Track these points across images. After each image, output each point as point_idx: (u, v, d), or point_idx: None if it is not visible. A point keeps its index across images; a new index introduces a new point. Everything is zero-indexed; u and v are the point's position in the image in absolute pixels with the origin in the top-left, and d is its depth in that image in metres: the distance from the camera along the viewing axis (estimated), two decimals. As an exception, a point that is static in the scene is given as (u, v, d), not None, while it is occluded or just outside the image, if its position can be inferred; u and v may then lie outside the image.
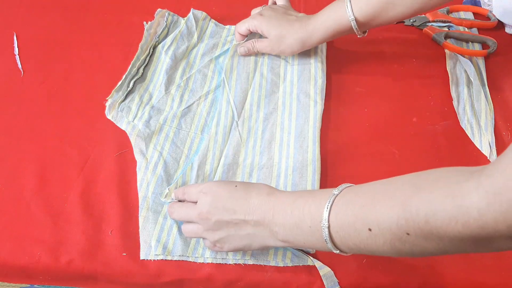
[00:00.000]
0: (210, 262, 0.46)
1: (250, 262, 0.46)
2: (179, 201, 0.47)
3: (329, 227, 0.36)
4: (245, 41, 0.61)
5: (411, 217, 0.31)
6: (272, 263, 0.46)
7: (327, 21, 0.55)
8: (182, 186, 0.50)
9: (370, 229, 0.34)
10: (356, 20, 0.53)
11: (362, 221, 0.34)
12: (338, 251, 0.37)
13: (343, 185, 0.39)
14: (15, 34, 0.65)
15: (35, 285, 0.51)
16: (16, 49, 0.63)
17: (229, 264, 0.46)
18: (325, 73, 0.60)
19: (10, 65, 0.62)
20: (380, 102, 0.58)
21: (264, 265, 0.46)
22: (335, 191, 0.38)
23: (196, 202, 0.43)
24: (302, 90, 0.58)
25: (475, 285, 0.46)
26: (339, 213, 0.36)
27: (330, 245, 0.37)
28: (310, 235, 0.38)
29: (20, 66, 0.62)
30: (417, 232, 0.31)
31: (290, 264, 0.46)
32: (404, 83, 0.60)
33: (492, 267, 0.46)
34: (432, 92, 0.59)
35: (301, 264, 0.46)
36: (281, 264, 0.46)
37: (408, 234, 0.31)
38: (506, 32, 0.65)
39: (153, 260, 0.46)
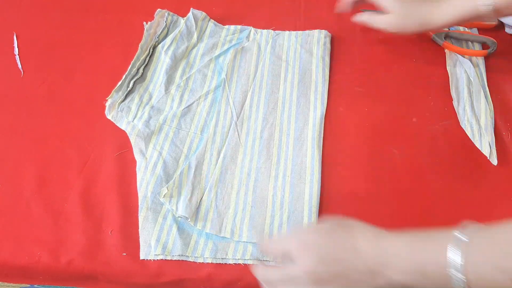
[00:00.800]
0: (210, 262, 0.46)
1: (250, 262, 0.46)
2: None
3: (464, 272, 0.33)
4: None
5: None
6: (273, 263, 0.46)
7: (458, 5, 0.53)
8: (179, 186, 0.50)
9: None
10: (494, 6, 0.51)
11: (499, 273, 0.32)
12: None
13: (468, 227, 0.35)
14: (15, 34, 0.65)
15: (35, 285, 0.51)
16: (16, 49, 0.63)
17: (229, 264, 0.46)
18: (326, 80, 0.59)
19: (10, 65, 0.62)
20: (380, 102, 0.58)
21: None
22: (461, 235, 0.34)
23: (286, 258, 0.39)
24: (302, 93, 0.58)
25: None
26: (473, 258, 0.33)
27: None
28: (437, 276, 0.34)
29: (20, 66, 0.62)
30: None
31: None
32: (404, 83, 0.60)
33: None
34: (432, 92, 0.59)
35: None
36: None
37: None
38: (506, 32, 0.65)
39: (153, 260, 0.46)
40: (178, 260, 0.46)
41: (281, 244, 0.41)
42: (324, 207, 0.49)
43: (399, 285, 0.36)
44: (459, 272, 0.33)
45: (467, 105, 0.56)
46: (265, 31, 0.65)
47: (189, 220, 0.48)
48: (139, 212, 0.48)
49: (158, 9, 0.65)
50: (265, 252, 0.44)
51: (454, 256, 0.33)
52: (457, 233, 0.34)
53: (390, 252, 0.36)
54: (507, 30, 0.65)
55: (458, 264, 0.33)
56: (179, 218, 0.48)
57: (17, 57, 0.63)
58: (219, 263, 0.46)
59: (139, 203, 0.49)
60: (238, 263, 0.46)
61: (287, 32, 0.65)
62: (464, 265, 0.33)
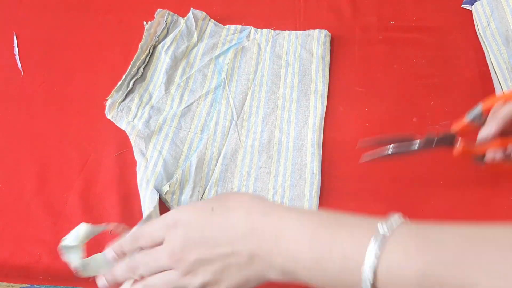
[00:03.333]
0: None
1: None
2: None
3: (375, 272, 0.26)
4: None
5: None
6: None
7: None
8: (181, 184, 0.50)
9: None
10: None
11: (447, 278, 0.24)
12: None
13: (394, 220, 0.28)
14: (15, 34, 0.65)
15: (35, 285, 0.51)
16: (16, 49, 0.63)
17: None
18: (326, 80, 0.59)
19: (10, 65, 0.62)
20: (380, 102, 0.58)
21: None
22: (383, 230, 0.27)
23: (160, 244, 0.33)
24: (302, 93, 0.58)
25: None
26: (392, 256, 0.25)
27: None
28: (339, 271, 0.27)
29: (20, 66, 0.62)
30: None
31: None
32: (404, 83, 0.60)
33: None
34: (432, 92, 0.59)
35: None
36: None
37: None
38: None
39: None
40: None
41: (146, 229, 0.35)
42: (324, 207, 0.49)
43: (290, 279, 0.30)
44: (369, 272, 0.26)
45: None
46: (265, 30, 0.65)
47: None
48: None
49: (159, 9, 0.65)
50: (137, 238, 0.36)
51: (372, 256, 0.26)
52: (382, 229, 0.27)
53: (283, 234, 0.30)
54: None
55: (371, 263, 0.26)
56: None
57: (17, 57, 0.63)
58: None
59: (142, 202, 0.49)
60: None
61: (287, 32, 0.65)
62: (376, 264, 0.26)
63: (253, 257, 0.31)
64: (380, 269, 0.26)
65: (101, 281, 0.37)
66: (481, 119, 0.45)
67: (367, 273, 0.26)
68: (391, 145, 0.45)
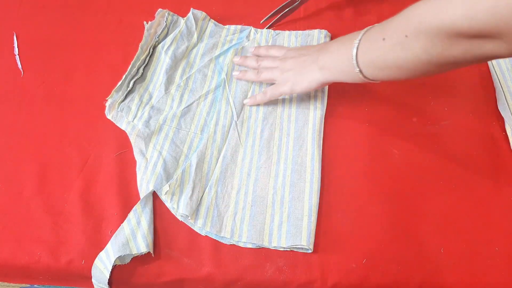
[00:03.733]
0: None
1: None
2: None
3: (357, 48, 0.45)
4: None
5: (409, 21, 0.39)
6: (266, 244, 0.47)
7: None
8: (181, 184, 0.50)
9: (383, 39, 0.42)
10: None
11: (379, 34, 0.43)
12: (358, 70, 0.46)
13: (364, 30, 0.47)
14: (15, 34, 0.65)
15: (35, 285, 0.51)
16: (16, 49, 0.63)
17: (229, 263, 0.46)
18: None
19: (10, 65, 0.62)
20: (380, 102, 0.58)
21: (264, 265, 0.46)
22: (370, 27, 0.46)
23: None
24: (302, 92, 0.58)
25: (475, 284, 0.46)
26: (366, 35, 0.45)
27: (354, 62, 0.46)
28: (343, 57, 0.47)
29: (20, 66, 0.62)
30: (412, 33, 0.39)
31: (285, 245, 0.46)
32: (404, 83, 0.60)
33: (492, 267, 0.46)
34: (432, 92, 0.59)
35: (296, 245, 0.46)
36: (274, 244, 0.47)
37: (406, 36, 0.39)
38: None
39: (153, 259, 0.46)
40: (178, 260, 0.46)
41: (281, 49, 0.59)
42: (324, 206, 0.49)
43: (322, 75, 0.51)
44: (355, 61, 0.46)
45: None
46: (265, 30, 0.65)
47: (189, 218, 0.48)
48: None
49: (159, 9, 0.65)
50: (270, 48, 0.60)
51: (358, 37, 0.46)
52: (370, 27, 0.46)
53: (327, 46, 0.51)
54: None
55: (357, 40, 0.45)
56: (180, 217, 0.48)
57: (17, 57, 0.63)
58: (219, 264, 0.46)
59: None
60: (237, 263, 0.46)
61: (287, 31, 0.65)
62: (360, 40, 0.45)
63: (312, 61, 0.51)
64: (361, 40, 0.46)
65: (235, 59, 0.61)
66: None
67: (354, 43, 0.46)
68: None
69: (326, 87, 0.59)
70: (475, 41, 0.35)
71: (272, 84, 0.56)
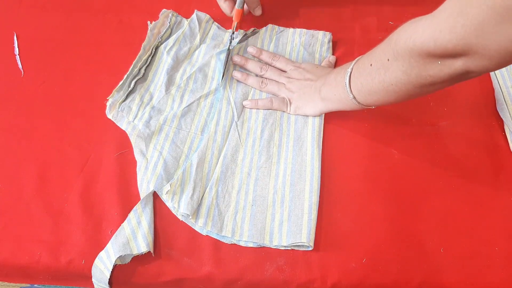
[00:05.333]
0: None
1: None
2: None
3: (350, 75, 0.48)
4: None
5: (389, 46, 0.42)
6: (267, 243, 0.47)
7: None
8: (182, 184, 0.50)
9: (371, 64, 0.45)
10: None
11: (367, 60, 0.46)
12: (352, 96, 0.49)
13: (354, 61, 0.49)
14: (15, 34, 0.65)
15: (35, 285, 0.51)
16: (16, 49, 0.63)
17: (229, 263, 0.46)
18: None
19: (10, 65, 0.62)
20: (380, 102, 0.58)
21: (264, 264, 0.46)
22: (351, 67, 0.49)
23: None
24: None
25: (475, 284, 0.46)
26: (357, 63, 0.48)
27: (348, 89, 0.49)
28: (338, 86, 0.50)
29: (20, 66, 0.62)
30: (391, 56, 0.41)
31: (285, 244, 0.46)
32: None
33: (492, 267, 0.46)
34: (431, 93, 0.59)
35: (297, 242, 0.46)
36: (275, 243, 0.47)
37: (388, 60, 0.42)
38: None
39: (153, 259, 0.46)
40: (178, 260, 0.46)
41: (288, 61, 0.61)
42: (324, 206, 0.49)
43: (323, 105, 0.54)
44: (349, 88, 0.49)
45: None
46: (269, 26, 0.65)
47: (190, 217, 0.48)
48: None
49: (163, 9, 0.65)
50: (274, 56, 0.61)
51: (350, 65, 0.49)
52: (352, 63, 0.49)
53: (327, 76, 0.54)
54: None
55: (350, 68, 0.49)
56: (181, 216, 0.48)
57: (17, 57, 0.63)
58: (218, 263, 0.46)
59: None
60: (237, 262, 0.46)
61: (291, 29, 0.65)
62: (352, 68, 0.48)
63: (316, 91, 0.54)
64: (353, 67, 0.49)
65: (236, 58, 0.61)
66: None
67: (347, 71, 0.49)
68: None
69: None
70: (446, 60, 0.37)
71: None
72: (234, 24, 0.61)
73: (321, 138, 0.54)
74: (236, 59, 0.61)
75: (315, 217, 0.48)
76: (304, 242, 0.46)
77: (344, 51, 0.63)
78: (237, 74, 0.60)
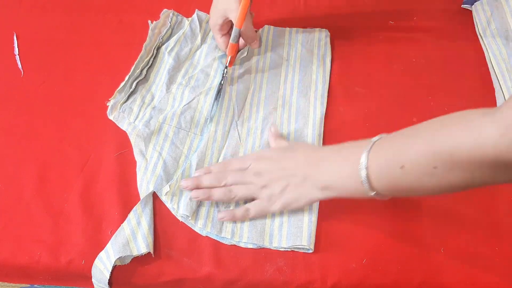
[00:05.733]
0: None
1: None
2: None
3: (367, 169, 0.40)
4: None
5: (437, 151, 0.35)
6: (267, 244, 0.47)
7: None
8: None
9: (402, 167, 0.37)
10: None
11: (396, 160, 0.38)
12: (373, 193, 0.41)
13: (382, 134, 0.42)
14: (15, 34, 0.65)
15: (35, 285, 0.51)
16: (16, 49, 0.63)
17: (229, 264, 0.46)
18: (327, 81, 0.59)
19: (10, 65, 0.62)
20: (380, 102, 0.58)
21: (264, 265, 0.46)
22: (374, 138, 0.42)
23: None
24: (302, 93, 0.58)
25: (474, 284, 0.46)
26: (376, 156, 0.40)
27: (366, 186, 0.40)
28: (350, 178, 0.41)
29: (20, 66, 0.62)
30: (443, 165, 0.35)
31: (286, 246, 0.46)
32: (404, 83, 0.60)
33: (492, 267, 0.46)
34: (432, 92, 0.59)
35: (297, 245, 0.46)
36: (275, 244, 0.46)
37: (435, 167, 0.35)
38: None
39: (153, 259, 0.46)
40: (178, 260, 0.46)
41: (243, 158, 0.50)
42: (324, 206, 0.49)
43: (324, 195, 0.45)
44: (363, 170, 0.40)
45: None
46: (266, 26, 0.65)
47: (189, 218, 0.48)
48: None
49: (164, 9, 0.65)
50: (229, 164, 0.50)
51: (365, 154, 0.40)
52: (374, 139, 0.42)
53: (322, 161, 0.45)
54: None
55: (365, 159, 0.40)
56: (181, 217, 0.48)
57: (17, 57, 0.63)
58: (218, 263, 0.46)
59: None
60: (237, 262, 0.46)
61: (287, 28, 0.65)
62: (368, 160, 0.40)
63: (305, 178, 0.45)
64: (370, 159, 0.40)
65: (184, 183, 0.49)
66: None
67: (361, 164, 0.40)
68: None
69: (326, 86, 0.59)
70: None
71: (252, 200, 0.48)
72: (228, 58, 0.57)
73: (322, 138, 0.54)
74: (183, 183, 0.48)
75: (316, 219, 0.48)
76: (304, 245, 0.46)
77: (344, 51, 0.63)
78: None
